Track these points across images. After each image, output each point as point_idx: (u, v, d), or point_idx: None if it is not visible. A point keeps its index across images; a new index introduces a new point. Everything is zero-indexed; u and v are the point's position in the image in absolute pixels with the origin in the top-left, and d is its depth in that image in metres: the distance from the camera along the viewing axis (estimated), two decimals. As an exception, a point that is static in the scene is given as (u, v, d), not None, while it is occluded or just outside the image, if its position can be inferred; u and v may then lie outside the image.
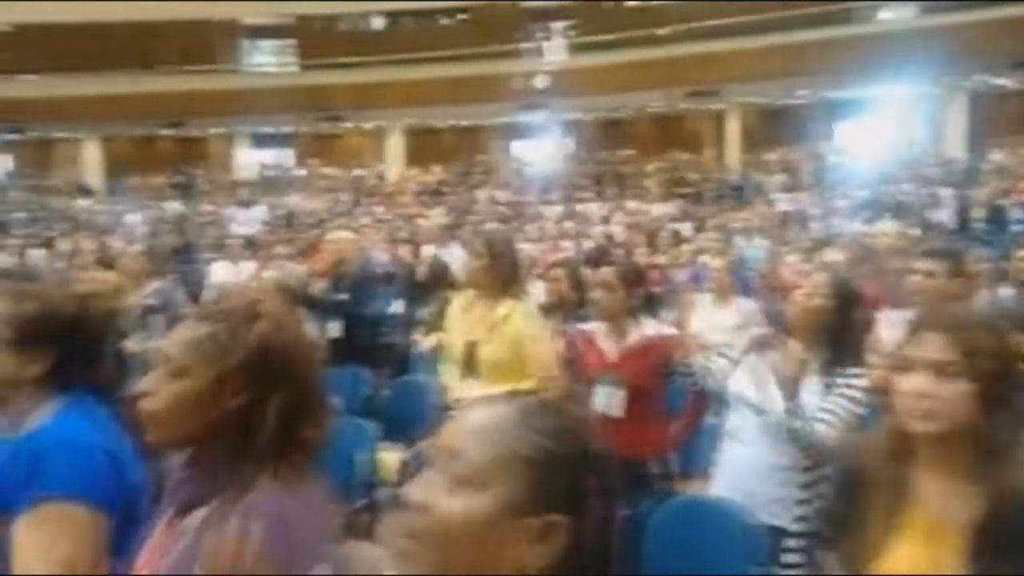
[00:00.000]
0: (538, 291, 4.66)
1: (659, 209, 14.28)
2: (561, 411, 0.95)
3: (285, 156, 23.76)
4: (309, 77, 21.74)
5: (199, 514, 1.16)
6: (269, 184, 21.04)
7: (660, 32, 19.01)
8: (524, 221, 12.67)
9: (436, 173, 21.40)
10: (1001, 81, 16.62)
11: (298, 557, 1.05)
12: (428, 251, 8.06)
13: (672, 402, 3.25)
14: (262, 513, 1.07)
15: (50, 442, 1.43)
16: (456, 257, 6.91)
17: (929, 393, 1.29)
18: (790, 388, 2.46)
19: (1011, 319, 1.39)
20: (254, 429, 1.19)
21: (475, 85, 20.04)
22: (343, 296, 5.41)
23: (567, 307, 4.25)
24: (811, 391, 2.50)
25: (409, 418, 4.17)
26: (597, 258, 6.29)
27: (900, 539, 1.32)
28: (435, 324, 5.05)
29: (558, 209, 14.77)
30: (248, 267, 7.34)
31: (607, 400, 3.03)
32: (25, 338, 1.50)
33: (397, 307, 5.97)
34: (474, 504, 0.87)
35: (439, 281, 5.67)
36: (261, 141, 23.54)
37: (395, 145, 23.02)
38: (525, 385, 3.11)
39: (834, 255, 5.56)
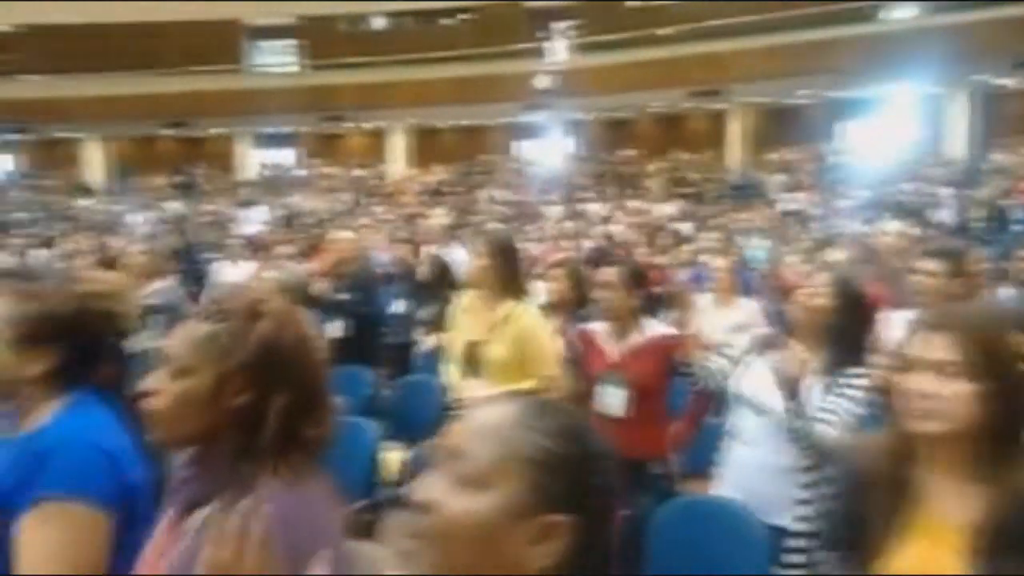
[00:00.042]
0: (539, 291, 4.66)
1: (661, 209, 14.27)
2: (564, 411, 0.95)
3: (287, 156, 23.79)
4: (312, 77, 21.78)
5: (201, 514, 1.16)
6: (270, 184, 21.06)
7: (662, 32, 19.01)
8: (525, 221, 12.67)
9: (438, 173, 21.42)
10: (1003, 81, 16.59)
11: (301, 556, 1.05)
12: (429, 251, 8.06)
13: (674, 402, 3.25)
14: (264, 512, 1.07)
15: (52, 442, 1.43)
16: (457, 257, 6.91)
17: (932, 393, 1.29)
18: (791, 389, 2.46)
19: (1013, 319, 1.38)
20: (256, 428, 1.19)
21: (477, 85, 20.06)
22: (345, 296, 5.41)
23: (568, 306, 4.25)
24: (813, 391, 2.50)
25: (411, 418, 4.18)
26: (598, 258, 6.28)
27: (904, 539, 1.32)
28: (437, 324, 5.06)
29: (559, 209, 14.77)
30: (250, 267, 7.35)
31: (609, 400, 3.03)
32: (27, 337, 1.50)
33: (399, 307, 5.97)
34: (478, 504, 0.87)
35: (440, 281, 5.67)
36: (263, 141, 23.57)
37: (397, 145, 23.04)
38: (527, 385, 3.11)
39: (836, 255, 5.56)
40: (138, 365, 1.55)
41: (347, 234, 6.33)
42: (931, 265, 2.99)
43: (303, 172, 22.53)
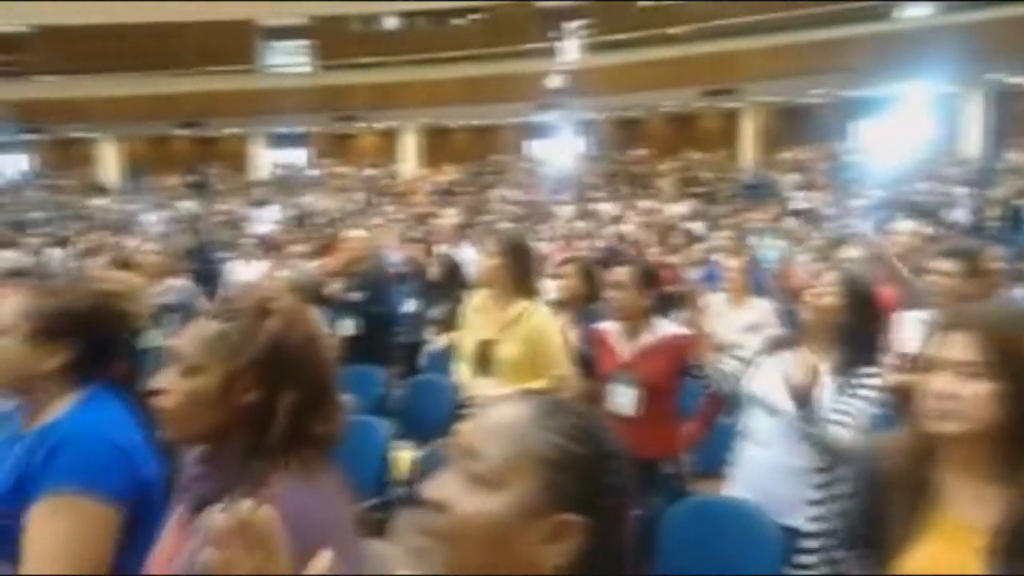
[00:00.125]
0: (550, 289, 4.66)
1: (673, 208, 14.23)
2: (578, 411, 0.95)
3: (299, 156, 23.88)
4: (324, 77, 21.84)
5: (211, 512, 1.16)
6: (283, 184, 21.14)
7: (674, 31, 18.95)
8: (537, 221, 12.66)
9: (449, 173, 21.44)
10: (1018, 80, 16.45)
11: (314, 551, 1.05)
12: (441, 251, 8.07)
13: (686, 402, 3.24)
14: (275, 510, 1.07)
15: (65, 435, 1.44)
16: (469, 256, 6.92)
17: (952, 394, 1.28)
18: (801, 398, 2.42)
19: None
20: (266, 426, 1.19)
21: (489, 85, 20.06)
22: (357, 295, 5.42)
23: (577, 303, 4.24)
24: (826, 392, 2.48)
25: (423, 417, 4.18)
26: (608, 258, 6.27)
27: (923, 540, 1.31)
28: (448, 323, 5.07)
29: (571, 209, 14.75)
30: (262, 266, 7.38)
31: (621, 399, 3.03)
32: (44, 332, 1.52)
33: (411, 306, 5.98)
34: (491, 503, 0.87)
35: (451, 280, 5.68)
36: (276, 141, 23.66)
37: (409, 145, 23.08)
38: (539, 384, 3.11)
39: (850, 254, 5.52)
40: (151, 362, 1.57)
41: (360, 233, 6.35)
42: (946, 265, 2.95)
43: (315, 172, 22.59)
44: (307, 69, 22.84)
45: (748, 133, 20.22)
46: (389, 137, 23.40)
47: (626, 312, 3.14)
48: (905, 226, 4.98)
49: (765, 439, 2.58)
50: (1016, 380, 1.26)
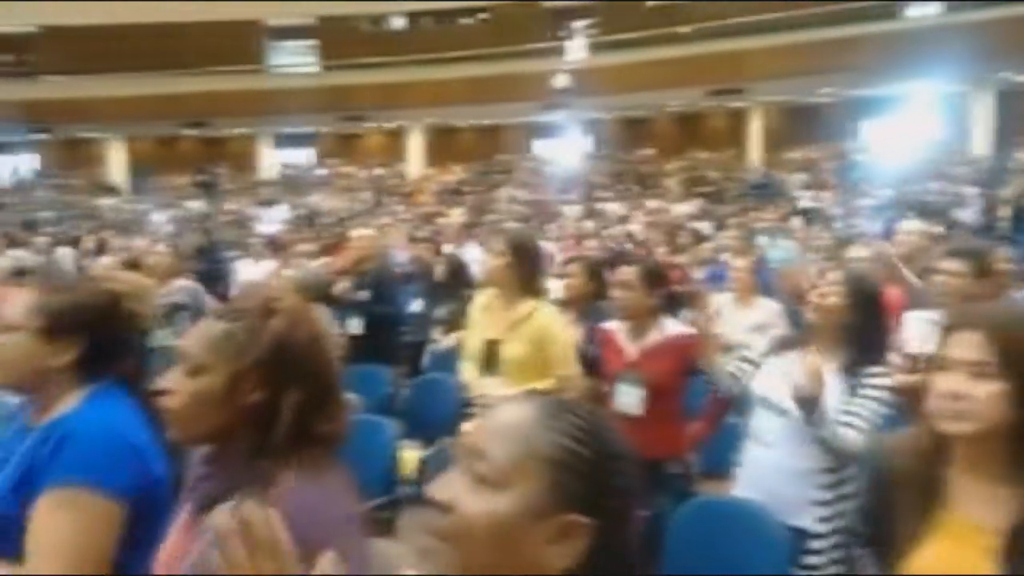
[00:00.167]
0: (556, 288, 4.66)
1: (679, 208, 14.22)
2: (584, 411, 0.94)
3: (306, 156, 23.92)
4: (331, 77, 21.87)
5: (217, 512, 1.17)
6: (290, 183, 21.19)
7: (681, 30, 18.92)
8: (543, 220, 12.66)
9: (456, 172, 21.45)
10: (1028, 79, 16.38)
11: (320, 548, 1.05)
12: (448, 250, 8.08)
13: (692, 402, 3.23)
14: (281, 509, 1.08)
15: (72, 429, 1.45)
16: (475, 256, 6.92)
17: (963, 393, 1.27)
18: (808, 405, 2.40)
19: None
20: (271, 425, 1.20)
21: (496, 85, 20.05)
22: (364, 294, 5.43)
23: (582, 301, 4.24)
24: (833, 392, 2.47)
25: (429, 416, 4.19)
26: (615, 258, 6.27)
27: (933, 540, 1.31)
28: (454, 322, 5.07)
29: (577, 208, 14.74)
30: (270, 266, 7.40)
31: (627, 399, 3.02)
32: (55, 328, 1.53)
33: (417, 305, 5.99)
34: (497, 503, 0.87)
35: (456, 280, 5.68)
36: (283, 141, 23.71)
37: (416, 145, 23.11)
38: (545, 384, 3.10)
39: (858, 254, 5.50)
40: (157, 361, 1.58)
41: (366, 233, 6.36)
42: (955, 265, 2.93)
43: (322, 172, 22.64)
44: (314, 69, 22.87)
45: (755, 132, 20.18)
46: (395, 137, 23.43)
47: (632, 312, 3.13)
48: (913, 226, 4.95)
49: (771, 440, 2.57)
50: None
